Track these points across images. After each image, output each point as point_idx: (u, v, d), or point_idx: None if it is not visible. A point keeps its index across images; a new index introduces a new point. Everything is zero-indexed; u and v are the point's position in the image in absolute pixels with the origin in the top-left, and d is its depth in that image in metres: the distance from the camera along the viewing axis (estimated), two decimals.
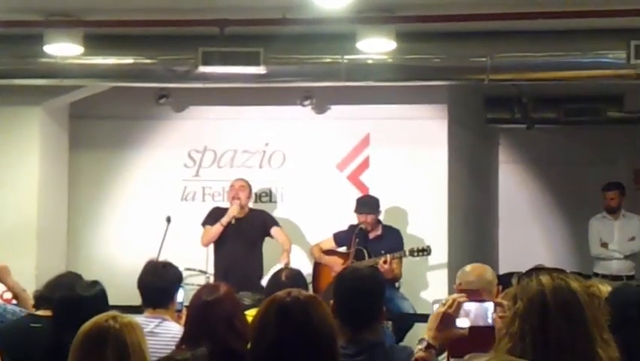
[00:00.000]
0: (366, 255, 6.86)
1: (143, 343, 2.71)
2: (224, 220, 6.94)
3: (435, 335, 2.66)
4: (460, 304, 2.69)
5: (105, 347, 2.60)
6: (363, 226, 6.97)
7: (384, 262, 6.64)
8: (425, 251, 6.82)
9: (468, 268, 3.93)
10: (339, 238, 7.18)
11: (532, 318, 2.20)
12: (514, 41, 6.57)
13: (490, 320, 2.68)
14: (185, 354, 3.09)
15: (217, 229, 6.97)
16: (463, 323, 2.70)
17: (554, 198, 10.67)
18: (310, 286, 6.38)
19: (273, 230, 7.05)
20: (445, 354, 3.26)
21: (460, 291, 3.10)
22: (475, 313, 2.71)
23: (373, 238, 7.03)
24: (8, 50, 6.79)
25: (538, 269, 2.31)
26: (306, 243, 7.59)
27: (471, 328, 2.68)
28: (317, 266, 7.23)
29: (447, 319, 2.67)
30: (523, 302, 2.23)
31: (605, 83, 7.16)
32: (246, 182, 7.20)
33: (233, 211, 6.95)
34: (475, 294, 2.90)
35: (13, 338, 3.89)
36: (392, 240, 6.98)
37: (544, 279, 2.25)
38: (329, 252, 7.23)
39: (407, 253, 6.79)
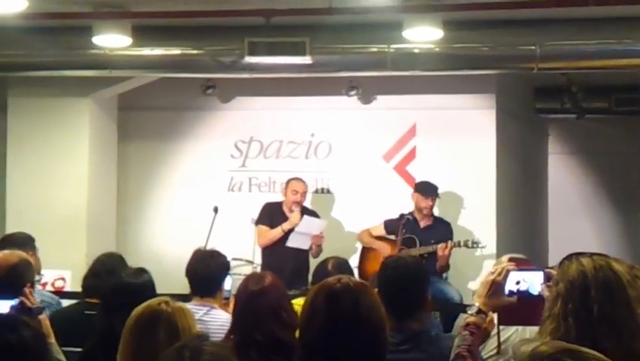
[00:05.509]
0: (417, 243, 6.83)
1: (194, 328, 2.72)
2: (286, 227, 6.89)
3: (485, 301, 2.69)
4: (508, 273, 2.69)
5: (157, 328, 2.62)
6: (424, 211, 6.93)
7: (445, 246, 6.60)
8: (479, 244, 6.82)
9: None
10: (390, 225, 7.10)
11: (573, 298, 2.22)
12: (563, 29, 6.45)
13: (539, 290, 2.67)
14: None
15: (278, 233, 6.91)
16: (512, 291, 2.70)
17: (605, 190, 10.48)
18: (356, 271, 6.34)
19: None
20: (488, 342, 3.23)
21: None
22: (524, 282, 2.71)
23: (424, 227, 6.99)
24: (57, 41, 6.91)
25: (579, 253, 2.33)
26: (352, 234, 7.56)
27: (520, 297, 2.68)
28: (364, 251, 7.20)
29: (496, 286, 2.68)
30: (564, 283, 2.25)
31: None
32: (306, 184, 7.13)
33: (296, 219, 6.88)
34: (524, 263, 2.91)
35: (68, 325, 3.94)
36: (443, 231, 6.94)
37: (585, 261, 2.27)
38: (378, 238, 7.18)
39: (462, 243, 6.75)
